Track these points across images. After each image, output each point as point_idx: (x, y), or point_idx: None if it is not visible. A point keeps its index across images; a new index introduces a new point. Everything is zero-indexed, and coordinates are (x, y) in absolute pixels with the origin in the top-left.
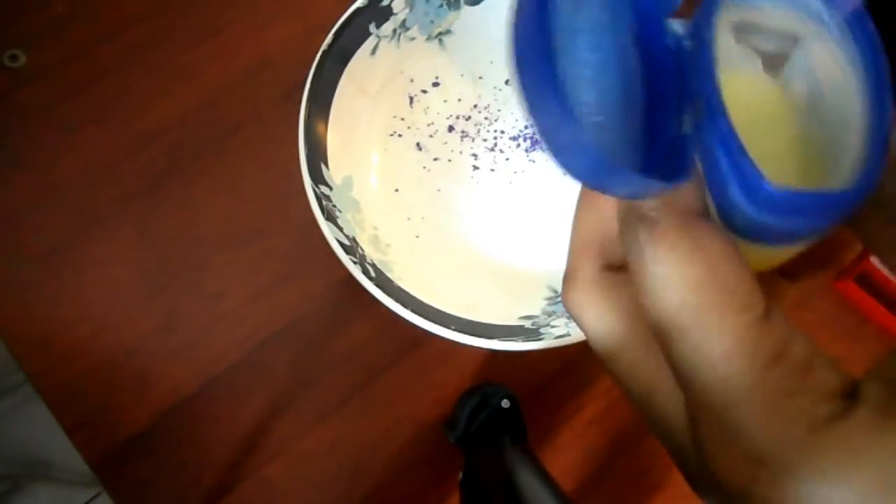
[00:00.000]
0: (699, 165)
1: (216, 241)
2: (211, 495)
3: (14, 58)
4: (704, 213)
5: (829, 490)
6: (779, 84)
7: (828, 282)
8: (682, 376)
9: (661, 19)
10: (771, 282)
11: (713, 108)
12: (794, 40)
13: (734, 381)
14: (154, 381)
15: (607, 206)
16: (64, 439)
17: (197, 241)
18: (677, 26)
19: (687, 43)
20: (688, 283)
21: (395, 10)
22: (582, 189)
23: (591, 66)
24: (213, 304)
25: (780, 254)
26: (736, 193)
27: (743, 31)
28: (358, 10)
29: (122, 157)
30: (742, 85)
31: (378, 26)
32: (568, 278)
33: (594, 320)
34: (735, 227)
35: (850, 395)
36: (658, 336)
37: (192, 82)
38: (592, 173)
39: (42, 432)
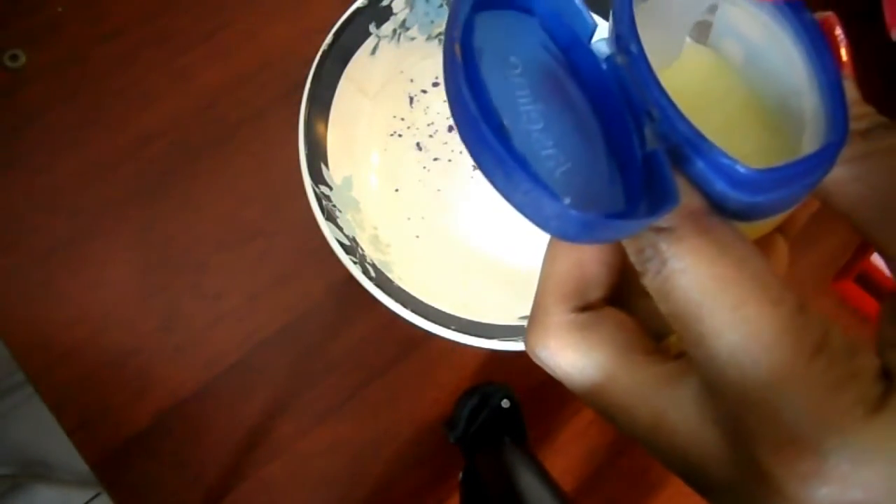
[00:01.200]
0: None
1: (216, 241)
2: (211, 495)
3: (14, 58)
4: (712, 209)
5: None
6: (715, 52)
7: (827, 282)
8: (717, 378)
9: (587, 46)
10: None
11: (669, 116)
12: (708, 7)
13: (781, 374)
14: (154, 381)
15: (583, 249)
16: (64, 439)
17: (197, 241)
18: (603, 45)
19: (619, 58)
20: (720, 284)
21: (395, 10)
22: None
23: (538, 118)
24: (213, 304)
25: (772, 222)
26: (721, 186)
27: (660, 16)
28: (358, 10)
29: (122, 157)
30: (685, 69)
31: (378, 26)
32: (537, 324)
33: (576, 361)
34: (730, 214)
35: (886, 373)
36: (687, 341)
37: (192, 82)
38: (585, 234)
39: (42, 432)
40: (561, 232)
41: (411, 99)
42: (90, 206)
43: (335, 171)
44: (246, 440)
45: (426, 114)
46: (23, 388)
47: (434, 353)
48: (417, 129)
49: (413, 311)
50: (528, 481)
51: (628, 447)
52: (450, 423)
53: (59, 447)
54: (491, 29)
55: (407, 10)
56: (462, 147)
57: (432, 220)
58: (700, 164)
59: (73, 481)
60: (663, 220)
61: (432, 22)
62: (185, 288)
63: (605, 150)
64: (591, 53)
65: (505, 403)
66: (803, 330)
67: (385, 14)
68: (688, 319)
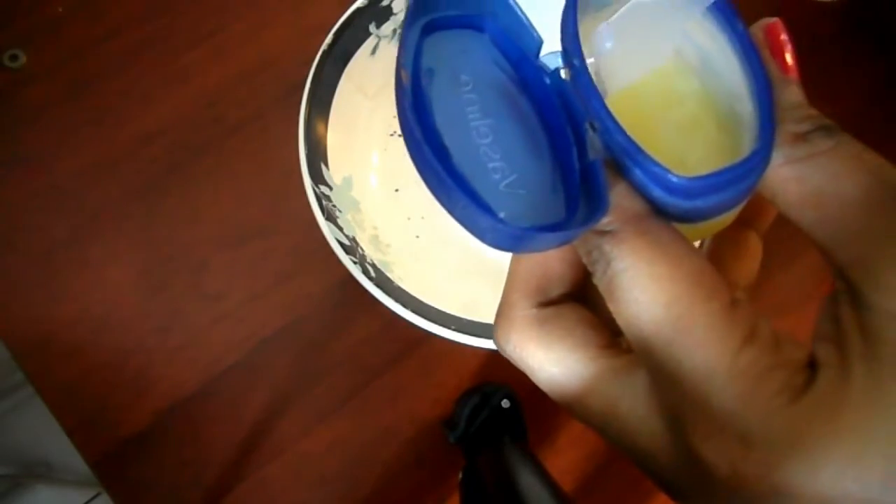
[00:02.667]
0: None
1: (216, 240)
2: (211, 495)
3: (14, 58)
4: (655, 213)
5: (817, 455)
6: (676, 55)
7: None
8: (657, 371)
9: (533, 60)
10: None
11: (608, 128)
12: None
13: (711, 366)
14: (154, 381)
15: None
16: (64, 439)
17: (197, 241)
18: (551, 59)
19: (563, 72)
20: (656, 282)
21: (395, 10)
22: None
23: (487, 132)
24: (213, 304)
25: (723, 220)
26: (658, 192)
27: (647, 24)
28: (358, 10)
29: (122, 157)
30: (661, 76)
31: (378, 26)
32: (502, 318)
33: (537, 354)
34: (674, 217)
35: (811, 364)
36: (634, 339)
37: (192, 82)
38: (519, 245)
39: (42, 432)
40: (496, 243)
41: None
42: (90, 206)
43: (335, 171)
44: (246, 440)
45: None
46: (23, 388)
47: (434, 353)
48: None
49: (413, 311)
50: (528, 481)
51: None
52: (450, 423)
53: (59, 447)
54: (443, 48)
55: None
56: None
57: (432, 220)
58: (638, 173)
59: (73, 481)
60: (607, 224)
61: None
62: (185, 288)
63: (551, 161)
64: (537, 68)
65: (505, 403)
66: (733, 324)
67: (385, 14)
68: (629, 316)
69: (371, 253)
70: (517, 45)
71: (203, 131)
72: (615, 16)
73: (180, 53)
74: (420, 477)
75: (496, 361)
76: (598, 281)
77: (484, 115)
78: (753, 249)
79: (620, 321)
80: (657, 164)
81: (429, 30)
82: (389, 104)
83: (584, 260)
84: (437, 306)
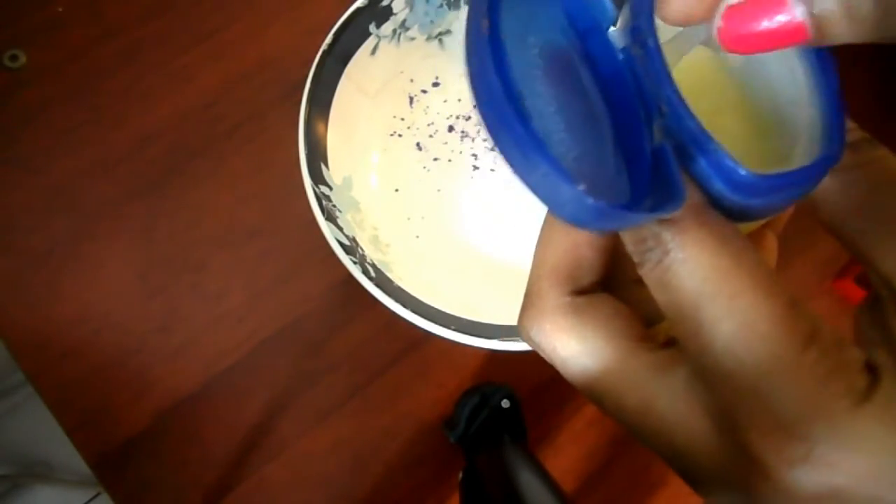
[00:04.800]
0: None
1: (216, 241)
2: (211, 495)
3: (14, 58)
4: (711, 205)
5: (884, 460)
6: (712, 51)
7: (828, 281)
8: (712, 366)
9: (604, 34)
10: None
11: (679, 114)
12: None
13: (774, 363)
14: (154, 381)
15: (577, 233)
16: (64, 439)
17: (197, 241)
18: (621, 36)
19: (635, 51)
20: (720, 273)
21: (395, 10)
22: (547, 215)
23: (551, 101)
24: (213, 304)
25: (754, 225)
26: (719, 186)
27: None
28: (358, 10)
29: (122, 156)
30: (693, 66)
31: (378, 26)
32: (531, 306)
33: (571, 344)
34: (723, 213)
35: (870, 367)
36: (685, 332)
37: (191, 82)
38: (597, 222)
39: (42, 432)
40: (574, 218)
41: (411, 99)
42: (90, 206)
43: (335, 171)
44: (246, 440)
45: (426, 114)
46: (23, 388)
47: (434, 353)
48: (417, 129)
49: (413, 311)
50: (528, 481)
51: (628, 447)
52: (450, 423)
53: (59, 447)
54: (513, 7)
55: (407, 10)
56: (462, 147)
57: (432, 220)
58: (702, 163)
59: (73, 481)
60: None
61: (432, 22)
62: (185, 288)
63: (613, 140)
64: (607, 42)
65: (505, 403)
66: (796, 322)
67: (385, 14)
68: (686, 308)
69: (371, 253)
70: (590, 15)
71: (203, 131)
72: None
73: (180, 53)
74: (420, 477)
75: (496, 361)
76: (650, 270)
77: (548, 83)
78: (770, 249)
79: (671, 312)
80: (728, 157)
81: None
82: (389, 104)
83: (631, 248)
84: (437, 306)
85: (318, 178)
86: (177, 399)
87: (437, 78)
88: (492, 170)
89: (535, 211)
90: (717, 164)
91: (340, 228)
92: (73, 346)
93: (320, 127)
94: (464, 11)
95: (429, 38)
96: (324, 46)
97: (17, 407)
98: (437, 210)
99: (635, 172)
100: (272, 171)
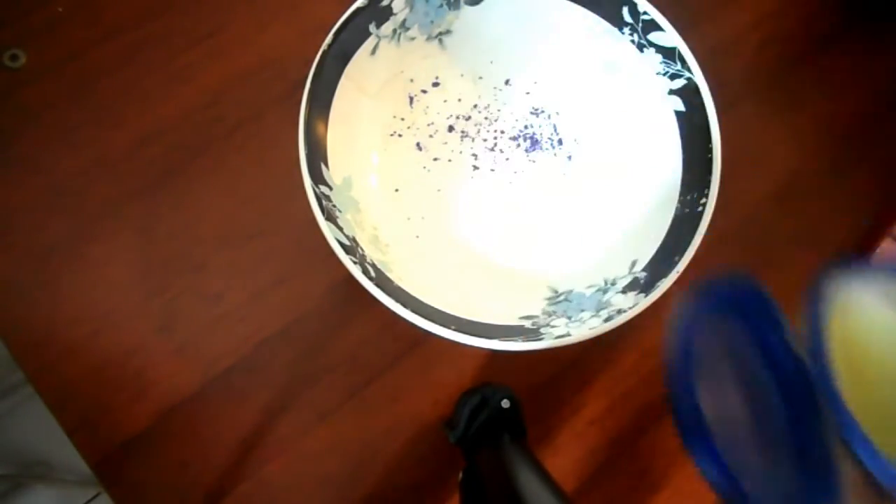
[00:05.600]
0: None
1: (216, 241)
2: (211, 495)
3: (14, 58)
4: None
5: None
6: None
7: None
8: None
9: (782, 342)
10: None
11: (849, 429)
12: None
13: None
14: (154, 381)
15: None
16: (64, 439)
17: (197, 241)
18: (796, 343)
19: (809, 361)
20: None
21: (395, 10)
22: None
23: (737, 404)
24: (213, 304)
25: None
26: (881, 477)
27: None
28: (358, 10)
29: (122, 156)
30: (873, 330)
31: (378, 26)
32: None
33: None
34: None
35: None
36: None
37: (191, 82)
38: None
39: (42, 432)
40: None
41: (411, 99)
42: (90, 206)
43: (335, 171)
44: (246, 440)
45: (426, 114)
46: (23, 388)
47: (434, 353)
48: (417, 129)
49: (413, 311)
50: (528, 481)
51: (628, 447)
52: (450, 423)
53: (59, 447)
54: (713, 329)
55: (407, 10)
56: (462, 147)
57: (432, 220)
58: (866, 462)
59: (74, 481)
60: None
61: (432, 22)
62: (185, 288)
63: (787, 436)
64: (787, 348)
65: (505, 403)
66: None
67: (385, 14)
68: None
69: (371, 253)
70: (769, 327)
71: (203, 131)
72: None
73: (180, 53)
74: (420, 477)
75: (496, 361)
76: None
77: (739, 385)
78: None
79: None
80: (885, 461)
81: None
82: (389, 104)
83: None
84: (436, 306)
85: (317, 178)
86: (177, 399)
87: (437, 78)
88: (492, 170)
89: (535, 211)
90: (877, 464)
91: (340, 228)
92: (73, 346)
93: (320, 127)
94: (464, 11)
95: (429, 38)
96: (324, 46)
97: (16, 407)
98: (436, 210)
99: (802, 464)
100: (272, 171)
